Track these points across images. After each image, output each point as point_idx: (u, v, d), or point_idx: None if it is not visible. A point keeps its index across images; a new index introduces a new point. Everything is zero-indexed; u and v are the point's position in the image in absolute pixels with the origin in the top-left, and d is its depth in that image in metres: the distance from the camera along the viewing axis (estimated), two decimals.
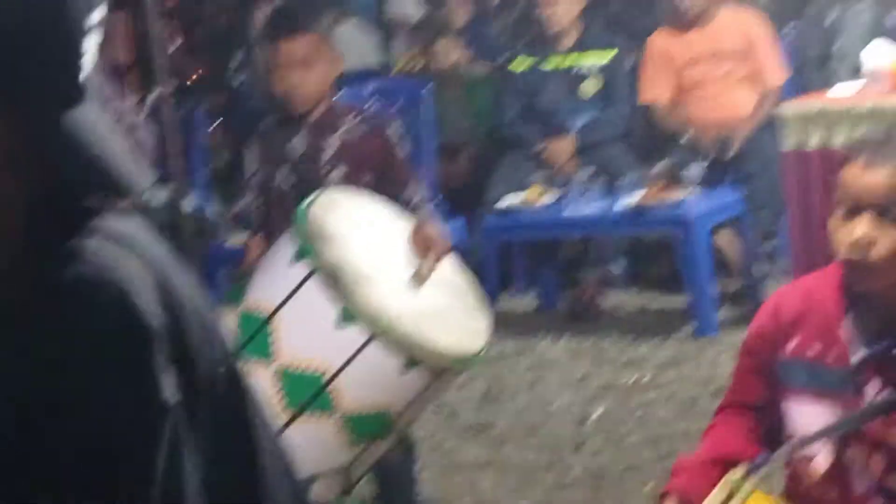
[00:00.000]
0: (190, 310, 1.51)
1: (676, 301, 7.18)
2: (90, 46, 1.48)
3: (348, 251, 3.79)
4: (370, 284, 3.72)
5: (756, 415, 2.74)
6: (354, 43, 8.96)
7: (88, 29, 1.47)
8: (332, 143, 4.43)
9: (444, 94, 8.09)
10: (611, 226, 6.99)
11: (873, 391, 2.56)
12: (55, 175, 1.49)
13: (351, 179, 4.40)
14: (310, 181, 4.38)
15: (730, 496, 2.42)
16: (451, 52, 8.20)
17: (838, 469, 2.59)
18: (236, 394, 1.59)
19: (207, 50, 9.69)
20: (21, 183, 1.47)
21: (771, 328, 2.71)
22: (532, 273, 7.73)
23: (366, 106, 7.48)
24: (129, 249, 1.47)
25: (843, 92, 6.57)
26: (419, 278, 3.92)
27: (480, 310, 4.06)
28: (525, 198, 7.08)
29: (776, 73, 7.49)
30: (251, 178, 4.53)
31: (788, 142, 6.28)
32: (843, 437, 2.58)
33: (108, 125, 1.53)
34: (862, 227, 2.50)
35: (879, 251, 2.49)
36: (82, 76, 1.47)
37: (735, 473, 2.45)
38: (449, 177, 7.94)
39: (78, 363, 1.41)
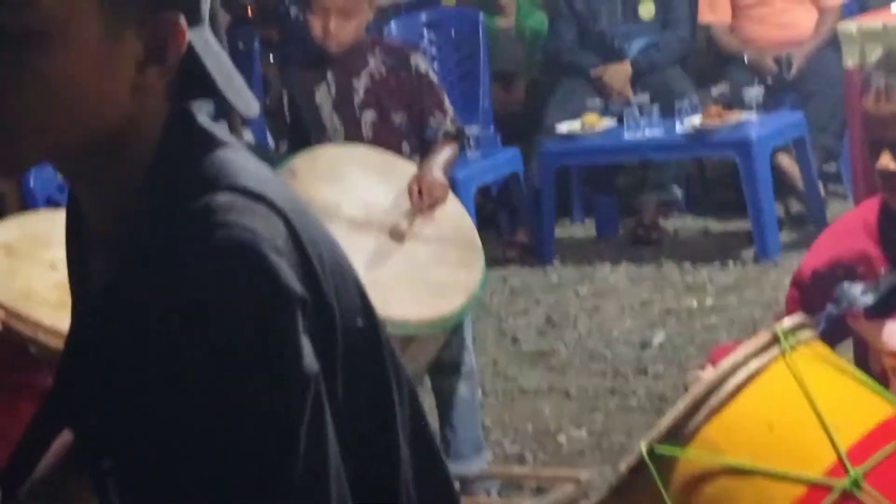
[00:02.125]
0: (325, 258, 1.49)
1: (737, 225, 7.12)
2: None
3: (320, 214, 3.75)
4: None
5: None
6: None
7: None
8: (362, 84, 4.40)
9: (496, 22, 8.03)
10: (671, 149, 6.93)
11: None
12: (188, 92, 1.50)
13: (383, 120, 4.39)
14: (345, 127, 4.38)
15: (770, 343, 2.36)
16: None
17: None
18: (375, 347, 1.57)
19: None
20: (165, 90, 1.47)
21: (823, 266, 2.67)
22: (590, 199, 7.69)
23: (415, 39, 7.52)
24: (260, 201, 1.44)
25: None
26: (397, 234, 3.88)
27: (472, 257, 3.97)
28: (582, 124, 7.02)
29: None
30: (285, 121, 4.51)
31: (850, 60, 6.19)
32: None
33: (223, 51, 1.52)
34: (884, 160, 2.50)
35: None
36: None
37: (784, 323, 2.40)
38: (504, 106, 7.89)
39: (217, 336, 1.38)
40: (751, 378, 2.33)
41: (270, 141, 7.73)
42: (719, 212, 7.53)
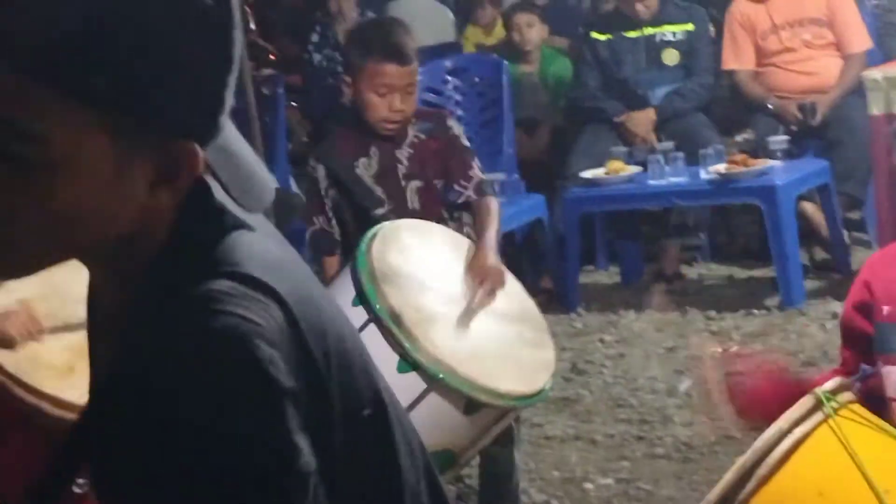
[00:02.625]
0: (331, 349, 1.45)
1: (762, 272, 7.11)
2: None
3: (408, 292, 3.75)
4: (430, 327, 3.68)
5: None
6: (428, 18, 8.95)
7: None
8: (405, 154, 4.39)
9: (520, 68, 8.05)
10: (696, 196, 6.92)
11: None
12: (204, 187, 1.48)
13: (427, 188, 4.37)
14: (389, 198, 4.34)
15: (814, 409, 2.35)
16: (530, 27, 8.13)
17: None
18: (383, 433, 1.54)
19: (284, 31, 9.72)
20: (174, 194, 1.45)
21: (865, 299, 2.67)
22: (614, 246, 7.69)
23: (441, 88, 7.52)
24: (259, 290, 1.42)
25: None
26: (469, 312, 3.88)
27: (545, 337, 4.00)
28: (607, 170, 7.02)
29: (860, 39, 7.39)
30: (322, 199, 4.38)
31: (875, 108, 6.20)
32: None
33: (240, 143, 1.50)
34: None
35: None
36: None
37: (826, 386, 2.39)
38: (527, 152, 7.90)
39: (204, 428, 1.34)
40: (797, 445, 2.31)
41: (293, 186, 7.75)
42: (744, 259, 7.52)
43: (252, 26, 9.14)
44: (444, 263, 3.99)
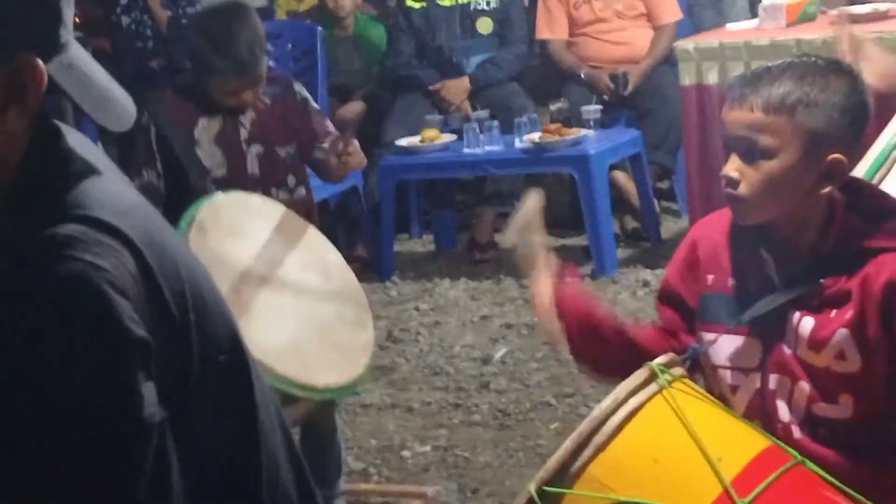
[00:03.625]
0: (188, 295, 1.43)
1: (575, 240, 7.17)
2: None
3: (226, 281, 3.66)
4: (247, 321, 3.58)
5: (669, 335, 2.72)
6: None
7: None
8: (248, 118, 4.33)
9: (334, 35, 7.99)
10: (510, 164, 6.95)
11: (793, 322, 2.55)
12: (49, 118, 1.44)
13: (269, 154, 4.32)
14: (228, 161, 4.29)
15: (649, 380, 2.39)
16: None
17: (762, 396, 2.57)
18: (240, 380, 1.51)
19: None
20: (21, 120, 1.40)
21: (681, 269, 2.70)
22: (429, 214, 7.69)
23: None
24: (112, 235, 1.37)
25: (739, 28, 6.58)
26: (298, 290, 3.85)
27: (365, 315, 3.98)
28: (421, 138, 7.02)
29: (671, 10, 7.50)
30: (154, 153, 4.32)
31: (686, 78, 6.29)
32: (767, 364, 2.57)
33: (93, 65, 1.47)
34: (728, 166, 2.52)
35: (743, 189, 2.51)
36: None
37: (660, 359, 2.43)
38: (342, 121, 7.84)
39: (51, 377, 1.32)
40: (632, 414, 2.34)
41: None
42: (557, 228, 7.57)
43: None
44: (263, 240, 3.93)
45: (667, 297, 2.75)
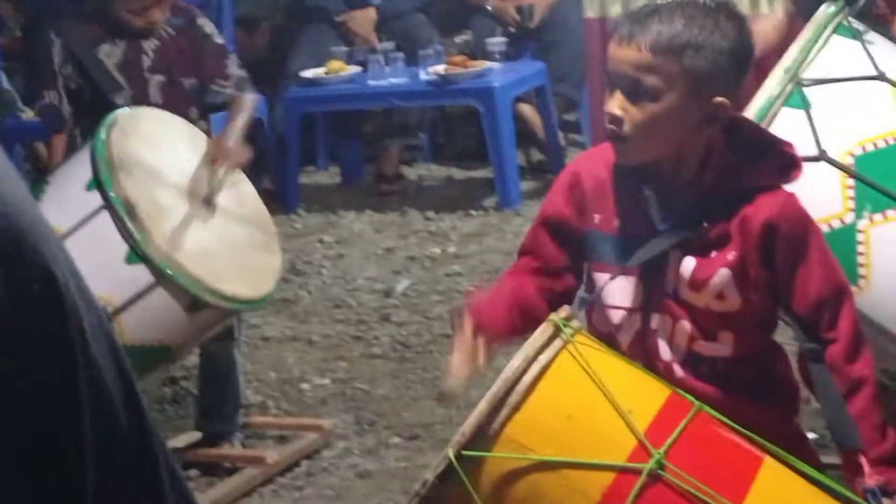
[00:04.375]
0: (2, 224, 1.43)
1: (480, 173, 7.20)
2: None
3: (145, 183, 3.71)
4: (163, 221, 3.66)
5: (552, 277, 2.71)
6: None
7: None
8: (151, 46, 4.28)
9: None
10: (415, 96, 6.96)
11: (675, 263, 2.57)
12: None
13: (172, 84, 4.28)
14: (131, 87, 4.25)
15: (554, 335, 2.40)
16: None
17: (644, 336, 2.60)
18: (53, 314, 1.51)
19: None
20: None
21: (567, 199, 2.69)
22: (335, 147, 7.67)
23: None
24: None
25: None
26: (211, 206, 3.86)
27: (274, 243, 4.01)
28: (327, 70, 6.99)
29: None
30: (56, 74, 4.27)
31: (590, 11, 6.30)
32: (648, 304, 2.59)
33: None
34: (612, 103, 2.52)
35: (626, 128, 2.51)
36: None
37: (559, 313, 2.43)
38: (248, 51, 7.78)
39: None
40: (543, 371, 2.33)
41: (5, 81, 7.49)
42: (462, 161, 7.60)
43: None
44: (183, 157, 3.96)
45: (553, 230, 2.73)
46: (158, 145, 3.90)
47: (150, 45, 4.29)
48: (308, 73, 7.01)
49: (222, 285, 3.70)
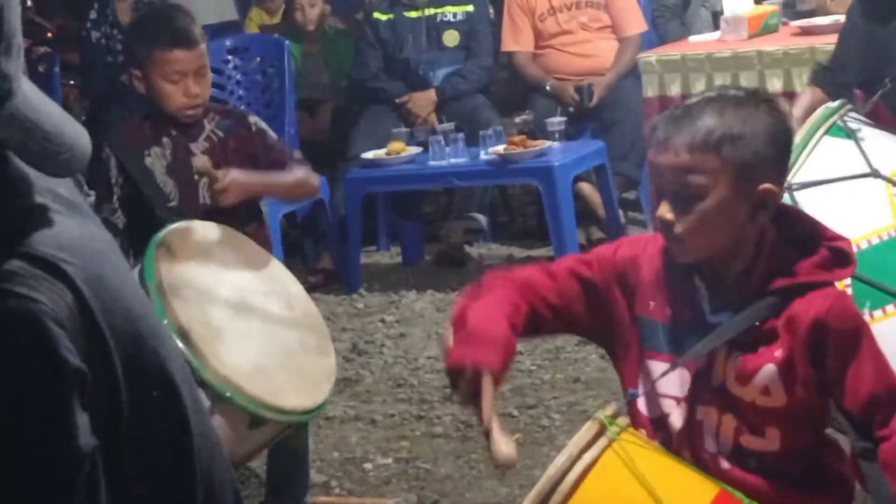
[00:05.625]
0: (120, 329, 1.45)
1: (541, 251, 7.20)
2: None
3: (196, 304, 3.71)
4: (217, 343, 3.65)
5: (539, 303, 2.65)
6: None
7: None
8: (200, 148, 4.32)
9: (302, 48, 8.02)
10: (475, 176, 6.98)
11: (722, 357, 2.56)
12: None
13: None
14: (181, 192, 4.28)
15: (599, 433, 2.40)
16: (312, 7, 8.09)
17: (690, 428, 2.59)
18: (173, 415, 1.53)
19: (62, 7, 9.50)
20: None
21: (622, 274, 2.68)
22: (396, 227, 7.71)
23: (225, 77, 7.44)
24: (48, 270, 1.40)
25: (702, 40, 6.63)
26: (264, 317, 3.88)
27: (327, 344, 4.01)
28: (388, 151, 7.05)
29: (635, 22, 7.54)
30: (112, 188, 4.29)
31: (649, 90, 6.34)
32: (695, 395, 2.58)
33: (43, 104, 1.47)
34: (662, 208, 2.52)
35: (679, 230, 2.51)
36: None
37: (605, 411, 2.43)
38: (309, 133, 7.87)
39: None
40: (587, 470, 2.34)
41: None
42: (523, 240, 7.62)
43: (29, 3, 8.91)
44: (229, 267, 3.96)
45: (578, 275, 2.66)
46: (206, 261, 3.89)
47: (198, 146, 4.31)
48: (369, 154, 7.06)
49: (280, 400, 3.69)
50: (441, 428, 5.12)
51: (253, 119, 4.45)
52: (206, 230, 3.99)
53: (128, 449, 1.47)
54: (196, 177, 4.26)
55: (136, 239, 4.15)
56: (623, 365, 2.69)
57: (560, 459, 2.33)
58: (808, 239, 2.58)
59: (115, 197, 4.28)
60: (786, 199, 3.15)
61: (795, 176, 3.22)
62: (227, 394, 3.59)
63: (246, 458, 3.86)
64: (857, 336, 2.51)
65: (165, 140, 4.31)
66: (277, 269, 4.08)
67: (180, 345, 3.55)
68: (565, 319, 2.67)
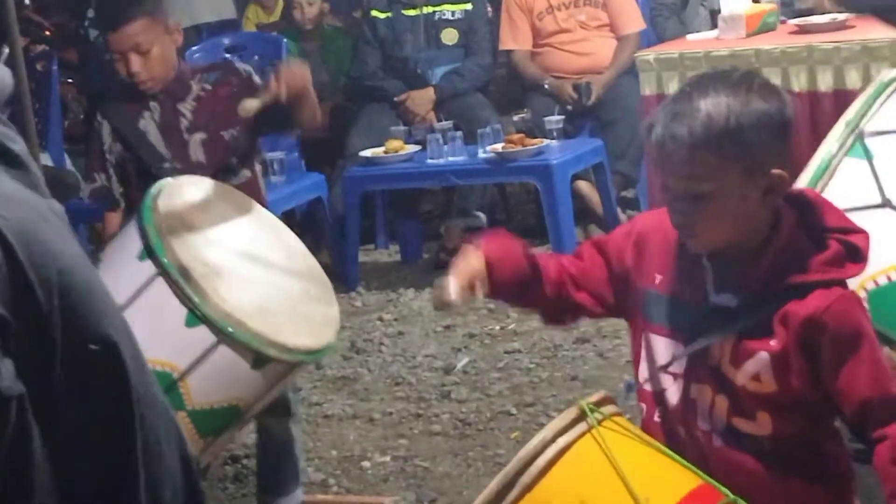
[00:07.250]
0: (55, 281, 1.46)
1: (539, 250, 7.17)
2: None
3: (195, 246, 3.72)
4: (218, 281, 3.64)
5: (576, 285, 2.73)
6: None
7: None
8: (188, 108, 4.36)
9: (300, 47, 8.02)
10: (473, 174, 6.98)
11: (719, 340, 2.57)
12: None
13: (212, 139, 4.35)
14: (172, 152, 4.32)
15: (578, 419, 2.39)
16: (311, 5, 8.10)
17: (685, 404, 2.59)
18: (113, 370, 1.54)
19: (59, 6, 9.50)
20: None
21: (637, 247, 2.69)
22: (394, 225, 7.71)
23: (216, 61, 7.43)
24: None
25: (700, 38, 6.63)
26: (266, 265, 3.88)
27: (331, 295, 4.02)
28: (386, 149, 7.05)
29: (633, 20, 7.55)
30: (104, 156, 4.39)
31: (647, 88, 6.33)
32: (692, 373, 2.59)
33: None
34: (675, 216, 2.52)
35: (691, 227, 2.52)
36: None
37: (590, 398, 2.43)
38: (308, 131, 7.85)
39: None
40: (560, 454, 2.33)
41: (69, 163, 7.59)
42: (522, 237, 7.58)
43: (27, 1, 8.92)
44: (227, 218, 3.98)
45: (602, 250, 2.73)
46: (204, 208, 3.92)
47: (187, 106, 4.38)
48: (367, 153, 7.06)
49: (284, 338, 3.66)
50: (439, 426, 5.12)
51: (240, 65, 4.50)
52: (203, 184, 4.03)
53: (64, 399, 1.47)
54: (186, 136, 4.32)
55: (131, 202, 4.25)
56: (632, 340, 2.72)
57: (533, 442, 2.33)
58: (825, 230, 2.56)
59: (108, 164, 4.38)
60: (858, 146, 3.15)
61: (868, 124, 3.19)
62: (229, 329, 3.56)
63: (251, 405, 3.79)
64: (854, 339, 2.49)
65: (153, 104, 4.38)
66: (277, 225, 4.07)
67: (181, 282, 3.56)
68: (586, 289, 2.73)
